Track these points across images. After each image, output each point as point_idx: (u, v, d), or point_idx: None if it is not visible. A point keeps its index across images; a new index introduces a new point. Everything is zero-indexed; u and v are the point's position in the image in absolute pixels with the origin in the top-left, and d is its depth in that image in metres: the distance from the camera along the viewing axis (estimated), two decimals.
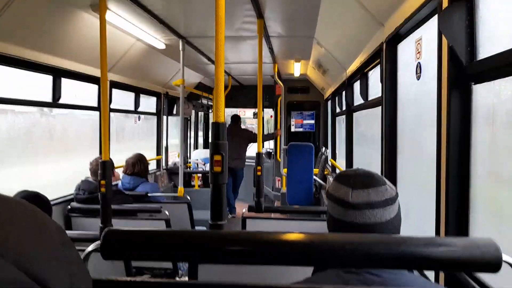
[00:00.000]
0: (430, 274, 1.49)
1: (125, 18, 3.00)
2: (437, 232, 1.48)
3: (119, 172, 3.39)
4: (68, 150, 3.82)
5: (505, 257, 0.69)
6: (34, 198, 1.71)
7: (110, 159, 2.46)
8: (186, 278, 2.63)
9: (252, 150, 6.36)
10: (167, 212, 2.79)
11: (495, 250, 0.69)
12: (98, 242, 0.75)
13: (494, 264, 0.68)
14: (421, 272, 1.38)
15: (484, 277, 1.24)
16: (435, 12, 1.56)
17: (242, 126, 6.53)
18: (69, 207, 2.95)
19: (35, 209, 0.40)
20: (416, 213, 2.04)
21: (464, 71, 1.36)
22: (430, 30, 1.71)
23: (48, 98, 3.06)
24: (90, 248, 1.32)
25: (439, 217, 1.46)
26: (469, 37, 1.34)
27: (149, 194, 3.28)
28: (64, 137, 3.79)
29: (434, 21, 1.56)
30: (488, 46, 1.29)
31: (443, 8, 1.41)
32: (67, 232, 2.84)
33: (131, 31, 3.28)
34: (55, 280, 0.35)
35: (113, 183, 2.98)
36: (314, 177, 5.18)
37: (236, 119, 6.30)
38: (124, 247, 0.75)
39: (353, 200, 0.85)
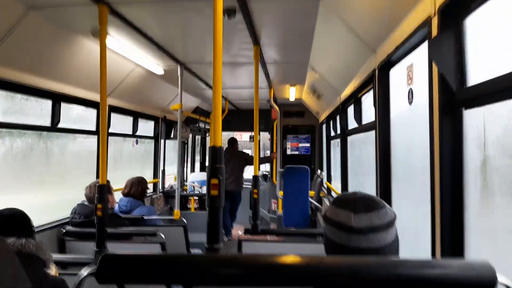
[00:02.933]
0: None
1: (125, 44, 3.07)
2: (433, 253, 1.48)
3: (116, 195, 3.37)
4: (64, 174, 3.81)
5: (500, 278, 0.70)
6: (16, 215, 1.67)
7: (108, 181, 2.46)
8: None
9: (248, 173, 6.35)
10: (162, 235, 2.77)
11: (490, 271, 0.70)
12: (94, 266, 0.76)
13: (489, 286, 0.69)
14: None
15: None
16: (425, 39, 1.62)
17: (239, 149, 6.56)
18: (63, 230, 2.91)
19: None
20: (411, 235, 2.04)
21: (455, 97, 1.39)
22: (421, 56, 1.77)
23: (47, 123, 3.08)
24: (85, 273, 1.31)
25: (435, 239, 1.47)
26: (459, 64, 1.39)
27: (145, 217, 3.26)
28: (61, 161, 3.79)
29: (424, 48, 1.62)
30: (477, 73, 1.34)
31: (432, 36, 1.47)
32: (61, 255, 2.80)
33: (130, 57, 3.34)
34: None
35: (112, 207, 2.97)
36: (310, 199, 5.17)
37: (232, 142, 6.34)
38: (120, 272, 0.75)
39: (356, 225, 0.84)
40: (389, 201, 2.28)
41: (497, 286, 0.69)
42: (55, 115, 3.08)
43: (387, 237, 0.85)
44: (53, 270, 1.55)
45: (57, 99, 3.09)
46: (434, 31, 1.46)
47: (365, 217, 0.85)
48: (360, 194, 0.90)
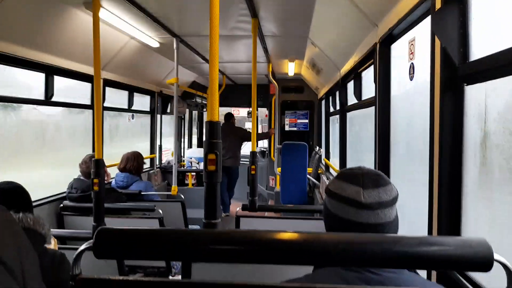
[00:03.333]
0: (423, 273, 1.50)
1: (118, 16, 2.98)
2: (430, 231, 1.49)
3: (110, 171, 3.37)
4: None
5: (496, 256, 0.70)
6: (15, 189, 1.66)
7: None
8: (180, 277, 2.63)
9: (246, 148, 6.36)
10: (160, 211, 2.78)
11: (487, 249, 0.69)
12: (91, 240, 0.75)
13: (486, 263, 0.69)
14: (413, 270, 1.39)
15: (476, 276, 1.25)
16: (428, 13, 1.57)
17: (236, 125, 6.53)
18: (61, 205, 2.92)
19: None
20: (409, 212, 2.06)
21: (457, 72, 1.37)
22: (423, 31, 1.73)
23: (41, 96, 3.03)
24: (83, 247, 1.31)
25: (432, 216, 1.48)
26: (462, 38, 1.36)
27: (142, 193, 3.27)
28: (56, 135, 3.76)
29: (427, 22, 1.58)
30: (480, 47, 1.31)
31: (436, 9, 1.42)
32: (60, 230, 2.82)
33: (124, 29, 3.26)
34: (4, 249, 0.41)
35: (108, 181, 2.96)
36: (308, 176, 5.20)
37: (229, 117, 6.29)
38: (116, 246, 0.75)
39: (365, 200, 0.84)
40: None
41: (493, 264, 0.69)
42: (49, 88, 3.03)
43: (392, 213, 0.86)
44: (52, 244, 1.55)
45: (50, 72, 3.02)
46: (438, 4, 1.41)
47: (373, 193, 0.85)
48: (367, 169, 0.90)
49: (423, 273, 1.49)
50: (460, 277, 1.28)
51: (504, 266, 0.70)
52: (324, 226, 0.93)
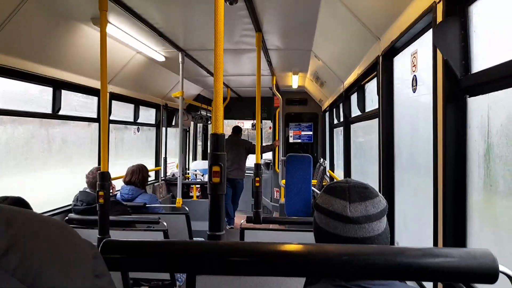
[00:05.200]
0: (428, 285, 1.48)
1: (125, 31, 3.04)
2: (435, 242, 1.48)
3: (116, 183, 3.39)
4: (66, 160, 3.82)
5: (502, 268, 0.69)
6: (15, 203, 1.67)
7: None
8: None
9: (251, 161, 6.35)
10: (165, 223, 2.78)
11: (492, 261, 0.69)
12: None
13: (491, 275, 0.69)
14: (419, 283, 1.38)
15: (479, 286, 1.24)
16: (430, 26, 1.59)
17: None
18: (66, 218, 2.93)
19: (71, 233, 0.39)
20: (413, 223, 2.04)
21: (459, 84, 1.38)
22: (425, 43, 1.74)
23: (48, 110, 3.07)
24: None
25: (437, 227, 1.47)
26: (463, 51, 1.37)
27: (147, 205, 3.27)
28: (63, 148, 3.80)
29: (429, 35, 1.59)
30: (482, 59, 1.32)
31: (437, 22, 1.44)
32: None
33: (131, 44, 3.31)
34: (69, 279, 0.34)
35: (113, 193, 2.97)
36: (313, 188, 5.18)
37: (237, 130, 6.33)
38: (121, 258, 0.75)
39: (352, 215, 0.83)
40: (392, 190, 2.28)
41: (498, 275, 0.69)
42: (56, 102, 3.07)
43: (380, 226, 0.85)
44: None
45: (58, 86, 3.07)
46: (439, 17, 1.43)
47: (360, 207, 0.84)
48: (353, 182, 0.89)
49: (428, 285, 1.48)
50: None
51: (510, 277, 0.70)
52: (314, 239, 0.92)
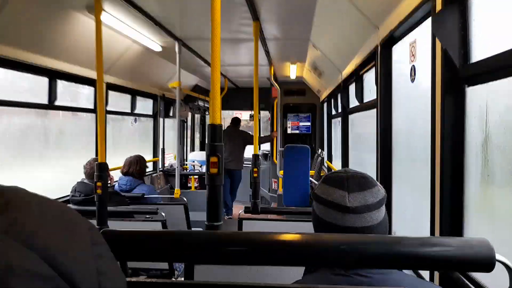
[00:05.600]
0: (425, 274, 1.50)
1: (121, 19, 3.00)
2: (432, 232, 1.49)
3: (114, 174, 3.38)
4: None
5: (498, 256, 0.70)
6: None
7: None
8: (182, 279, 2.63)
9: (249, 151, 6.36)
10: (163, 214, 2.79)
11: (488, 249, 0.69)
12: None
13: (487, 264, 0.69)
14: (416, 271, 1.39)
15: (478, 276, 1.25)
16: (428, 15, 1.58)
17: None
18: None
19: (68, 209, 0.40)
20: (411, 213, 2.05)
21: (458, 73, 1.37)
22: (424, 33, 1.73)
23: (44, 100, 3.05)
24: None
25: (434, 217, 1.48)
26: (462, 40, 1.36)
27: (145, 196, 3.27)
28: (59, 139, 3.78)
29: (428, 24, 1.58)
30: (481, 49, 1.31)
31: (436, 11, 1.43)
32: None
33: (127, 33, 3.28)
34: (81, 276, 0.35)
35: (111, 184, 2.97)
36: (311, 178, 5.19)
37: (236, 122, 6.33)
38: (120, 248, 0.75)
39: (351, 204, 0.83)
40: (389, 180, 2.28)
41: (495, 264, 0.69)
42: (52, 92, 3.05)
43: (379, 215, 0.85)
44: None
45: (54, 76, 3.05)
46: (438, 6, 1.42)
47: (359, 196, 0.84)
48: (352, 172, 0.89)
49: (425, 274, 1.49)
50: (463, 278, 1.28)
51: (506, 266, 0.70)
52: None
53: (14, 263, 0.32)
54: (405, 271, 0.90)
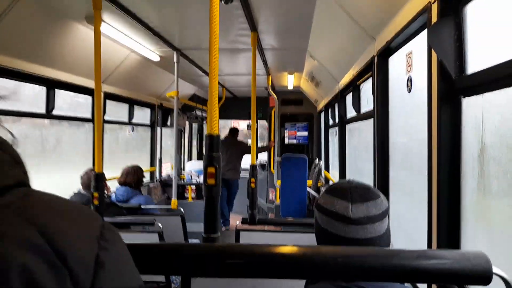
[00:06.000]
0: (422, 287, 1.49)
1: (119, 30, 3.02)
2: (429, 244, 1.49)
3: (110, 184, 3.36)
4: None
5: (495, 269, 0.69)
6: None
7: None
8: None
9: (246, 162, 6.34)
10: (160, 225, 2.76)
11: (485, 262, 0.69)
12: None
13: (484, 277, 0.69)
14: (413, 284, 1.38)
15: None
16: (424, 26, 1.60)
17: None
18: None
19: (83, 207, 0.43)
20: (408, 224, 2.05)
21: (454, 84, 1.38)
22: (420, 44, 1.75)
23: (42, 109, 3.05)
24: None
25: (431, 229, 1.47)
26: (458, 51, 1.37)
27: (142, 207, 3.25)
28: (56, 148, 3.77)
29: (424, 35, 1.60)
30: (476, 60, 1.32)
31: (432, 23, 1.44)
32: None
33: (125, 43, 3.29)
34: (76, 259, 0.36)
35: (108, 194, 2.95)
36: (308, 189, 5.18)
37: (234, 132, 6.34)
38: None
39: (354, 216, 0.82)
40: (386, 190, 2.28)
41: (492, 277, 0.69)
42: (50, 101, 3.05)
43: (382, 227, 0.85)
44: None
45: (52, 85, 3.05)
46: (434, 18, 1.43)
47: (362, 207, 0.84)
48: (355, 182, 0.89)
49: (422, 287, 1.48)
50: None
51: (503, 279, 0.70)
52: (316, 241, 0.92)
53: (8, 231, 0.34)
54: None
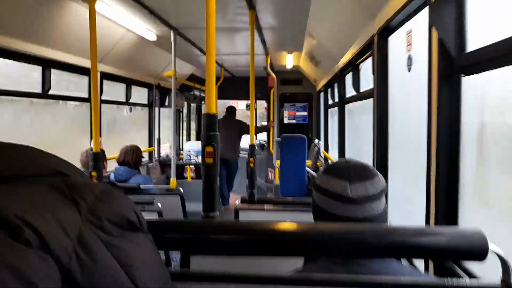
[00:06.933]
0: (419, 263, 1.51)
1: (115, 8, 2.96)
2: (427, 221, 1.50)
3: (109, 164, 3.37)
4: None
5: (491, 246, 0.70)
6: None
7: (102, 150, 2.45)
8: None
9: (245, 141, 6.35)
10: (159, 204, 2.79)
11: (482, 239, 0.70)
12: None
13: (480, 253, 0.70)
14: (410, 260, 1.40)
15: (471, 265, 1.26)
16: (425, 4, 1.57)
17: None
18: None
19: (78, 180, 0.47)
20: (407, 203, 2.07)
21: (454, 63, 1.37)
22: (420, 22, 1.72)
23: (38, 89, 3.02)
24: None
25: (429, 207, 1.49)
26: (459, 29, 1.35)
27: (141, 186, 3.27)
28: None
29: (424, 13, 1.57)
30: (477, 38, 1.30)
31: (433, 0, 1.42)
32: None
33: (121, 22, 3.24)
34: (52, 234, 0.36)
35: (105, 174, 2.96)
36: (307, 168, 5.20)
37: (231, 110, 6.26)
38: None
39: (352, 195, 0.82)
40: (385, 169, 2.29)
41: (488, 254, 0.70)
42: (46, 81, 3.01)
43: (380, 206, 0.85)
44: None
45: (47, 65, 3.01)
46: None
47: (360, 186, 0.84)
48: (353, 162, 0.89)
49: (420, 263, 1.51)
50: (456, 267, 1.30)
51: (499, 256, 0.71)
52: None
53: None
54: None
